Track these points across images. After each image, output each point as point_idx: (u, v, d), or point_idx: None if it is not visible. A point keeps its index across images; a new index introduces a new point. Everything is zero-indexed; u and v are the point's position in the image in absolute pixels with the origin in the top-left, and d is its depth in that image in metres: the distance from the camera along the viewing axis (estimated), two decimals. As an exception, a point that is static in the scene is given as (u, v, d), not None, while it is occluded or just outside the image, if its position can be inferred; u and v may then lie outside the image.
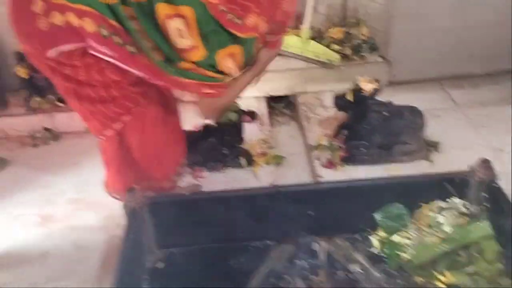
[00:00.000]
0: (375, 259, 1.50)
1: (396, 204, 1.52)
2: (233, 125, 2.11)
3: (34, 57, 1.44)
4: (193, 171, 2.14)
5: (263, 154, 2.24)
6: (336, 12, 2.84)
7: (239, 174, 2.15)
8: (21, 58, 2.51)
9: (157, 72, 1.36)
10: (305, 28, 2.64)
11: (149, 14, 1.26)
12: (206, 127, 2.19)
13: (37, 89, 2.56)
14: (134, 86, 1.46)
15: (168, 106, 1.67)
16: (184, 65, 1.35)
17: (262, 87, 2.60)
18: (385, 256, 1.50)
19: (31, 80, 2.53)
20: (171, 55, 1.33)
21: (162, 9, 1.25)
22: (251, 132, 2.33)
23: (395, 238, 1.49)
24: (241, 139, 2.19)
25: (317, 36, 2.75)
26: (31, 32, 1.33)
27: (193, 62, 1.34)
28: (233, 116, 2.09)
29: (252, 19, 1.33)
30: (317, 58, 2.65)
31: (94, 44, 1.29)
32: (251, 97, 2.59)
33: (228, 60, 1.36)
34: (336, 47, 2.67)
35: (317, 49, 2.65)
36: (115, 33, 1.28)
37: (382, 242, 1.53)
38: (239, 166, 2.17)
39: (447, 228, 1.41)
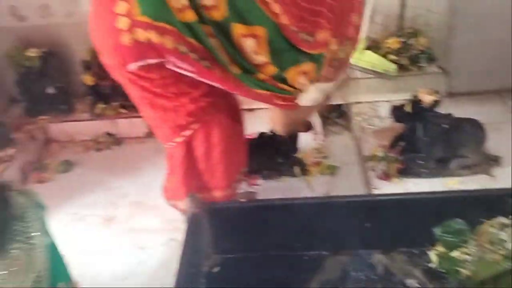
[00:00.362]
0: (433, 275, 1.47)
1: (457, 219, 1.49)
2: (288, 134, 2.13)
3: (113, 69, 1.51)
4: (248, 179, 2.18)
5: (317, 164, 2.25)
6: (393, 22, 2.82)
7: (293, 183, 2.18)
8: (87, 66, 2.65)
9: (231, 83, 1.44)
10: (361, 37, 2.63)
11: (226, 32, 1.33)
12: (262, 136, 2.23)
13: (101, 96, 2.69)
14: (205, 96, 1.53)
15: (234, 115, 1.73)
16: (261, 76, 1.42)
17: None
18: (443, 272, 1.47)
19: (96, 87, 2.67)
20: (248, 68, 1.40)
21: (237, 29, 1.33)
22: (305, 141, 2.35)
23: (455, 253, 1.46)
24: (296, 149, 2.22)
25: (373, 46, 2.74)
26: (115, 47, 1.39)
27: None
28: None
29: (322, 35, 1.39)
30: (372, 68, 2.64)
31: (173, 60, 1.36)
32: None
33: (300, 77, 1.41)
34: (392, 57, 2.65)
35: (373, 59, 2.64)
36: (192, 50, 1.34)
37: (441, 257, 1.50)
38: (293, 175, 2.20)
39: (510, 245, 1.37)
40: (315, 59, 1.43)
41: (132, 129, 2.67)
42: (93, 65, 2.61)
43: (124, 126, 2.68)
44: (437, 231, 1.51)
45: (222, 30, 1.33)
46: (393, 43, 2.69)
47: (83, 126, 2.71)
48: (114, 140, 2.66)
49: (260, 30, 1.33)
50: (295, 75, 1.42)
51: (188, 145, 1.65)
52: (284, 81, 1.43)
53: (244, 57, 1.37)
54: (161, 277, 1.83)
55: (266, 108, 2.24)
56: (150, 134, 2.68)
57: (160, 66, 1.40)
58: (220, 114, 1.62)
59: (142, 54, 1.36)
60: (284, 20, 1.34)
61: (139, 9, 1.31)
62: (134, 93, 1.56)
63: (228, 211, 1.65)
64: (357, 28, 1.53)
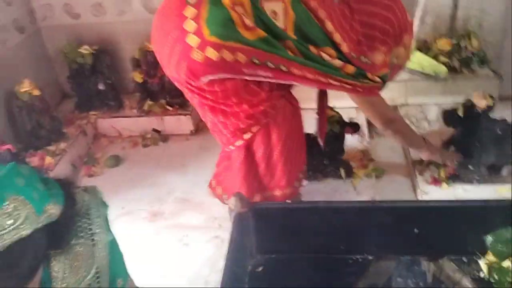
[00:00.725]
0: (482, 284, 1.43)
1: (509, 228, 1.44)
2: (335, 136, 2.12)
3: (178, 82, 1.55)
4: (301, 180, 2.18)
5: (363, 166, 2.23)
6: (444, 23, 2.75)
7: (338, 185, 2.16)
8: (137, 64, 2.71)
9: (310, 79, 1.50)
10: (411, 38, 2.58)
11: (306, 48, 1.46)
12: (308, 137, 2.22)
13: (149, 93, 2.75)
14: (264, 101, 1.55)
15: (294, 114, 1.74)
16: (342, 72, 1.53)
17: (363, 98, 2.59)
18: (493, 282, 1.43)
19: (144, 84, 2.73)
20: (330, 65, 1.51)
21: (312, 49, 1.47)
22: (351, 143, 2.32)
23: (506, 264, 1.42)
24: (342, 150, 2.20)
25: (423, 47, 2.68)
26: (186, 62, 1.42)
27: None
28: (335, 127, 2.09)
29: (379, 57, 1.54)
30: (422, 70, 2.58)
31: (248, 71, 1.42)
32: (351, 108, 2.59)
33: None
34: (443, 59, 2.59)
35: (422, 61, 2.58)
36: (267, 60, 1.41)
37: (491, 267, 1.46)
38: (339, 177, 2.18)
39: None
40: (380, 78, 1.56)
41: (178, 127, 2.71)
42: (142, 63, 2.67)
43: (171, 123, 2.73)
44: (488, 239, 1.46)
45: (302, 45, 1.45)
46: (444, 44, 2.62)
47: (131, 122, 2.78)
48: (161, 137, 2.72)
49: (330, 51, 1.48)
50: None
51: (248, 147, 1.68)
52: (365, 76, 1.54)
53: (325, 60, 1.48)
54: (205, 274, 1.86)
55: (311, 108, 2.25)
56: (195, 132, 2.73)
57: (224, 80, 1.44)
58: (279, 116, 1.65)
59: (213, 70, 1.41)
60: (344, 48, 1.48)
61: (208, 30, 1.36)
62: (195, 100, 1.59)
63: (273, 212, 1.66)
64: (407, 49, 1.65)
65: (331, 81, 1.52)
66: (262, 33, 1.39)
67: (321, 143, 2.00)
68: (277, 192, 1.79)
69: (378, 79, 1.57)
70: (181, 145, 2.66)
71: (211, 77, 1.43)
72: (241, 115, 1.58)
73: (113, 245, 0.91)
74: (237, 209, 1.61)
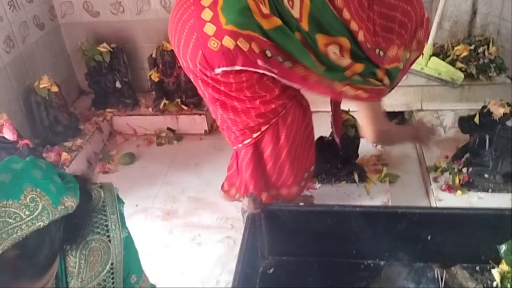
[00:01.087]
0: (495, 294, 1.42)
1: (525, 239, 1.43)
2: (350, 139, 2.11)
3: (193, 72, 1.56)
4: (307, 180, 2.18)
5: (377, 171, 2.22)
6: (462, 29, 2.73)
7: (351, 189, 2.15)
8: (154, 63, 2.73)
9: (312, 82, 1.50)
10: (428, 44, 2.57)
11: (313, 41, 1.45)
12: (321, 140, 2.22)
13: (165, 92, 2.77)
14: (276, 99, 1.55)
15: (304, 115, 1.75)
16: (348, 73, 1.51)
17: (378, 102, 2.59)
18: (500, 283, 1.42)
19: (161, 83, 2.75)
20: (335, 67, 1.49)
21: (320, 39, 1.45)
22: (365, 148, 2.32)
23: (520, 274, 1.40)
24: (356, 155, 2.19)
25: (440, 52, 2.67)
26: (202, 51, 1.44)
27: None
28: (350, 131, 2.09)
29: (393, 51, 1.52)
30: (438, 76, 2.57)
31: (260, 63, 1.42)
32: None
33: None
34: (460, 65, 2.57)
35: (439, 66, 2.57)
36: (277, 54, 1.42)
37: (504, 276, 1.44)
38: (352, 181, 2.17)
39: None
40: (389, 72, 1.54)
41: (193, 126, 2.73)
42: (159, 62, 2.69)
43: (185, 122, 2.75)
44: (502, 248, 1.45)
45: (310, 38, 1.44)
46: (461, 50, 2.60)
47: (146, 120, 2.80)
48: (175, 136, 2.74)
49: (344, 41, 1.47)
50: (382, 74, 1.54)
51: (256, 145, 1.69)
52: (372, 74, 1.53)
53: (330, 61, 1.47)
54: (216, 274, 1.86)
55: (326, 111, 2.24)
56: (209, 132, 2.74)
57: (240, 71, 1.44)
58: (289, 116, 1.65)
59: (229, 60, 1.42)
60: (361, 37, 1.46)
61: (225, 19, 1.36)
62: (208, 94, 1.60)
63: (286, 214, 1.66)
64: (421, 43, 1.62)
65: (333, 85, 1.52)
66: (278, 21, 1.39)
67: (337, 140, 1.99)
68: (284, 191, 1.80)
69: (386, 80, 1.55)
70: (195, 145, 2.67)
71: (225, 69, 1.43)
72: (251, 113, 1.59)
73: (128, 242, 0.92)
74: (250, 210, 1.62)
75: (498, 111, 1.86)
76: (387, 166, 2.25)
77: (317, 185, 2.19)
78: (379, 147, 2.39)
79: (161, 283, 1.79)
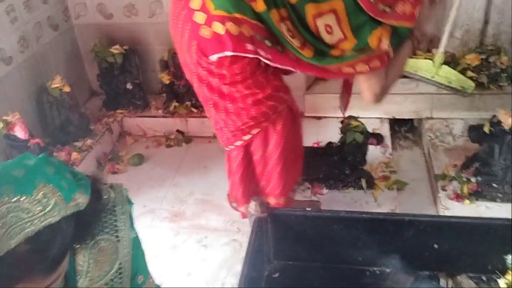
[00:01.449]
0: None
1: (531, 249, 1.42)
2: (357, 145, 2.11)
3: (189, 66, 1.57)
4: (312, 187, 2.19)
5: (385, 178, 2.22)
6: (473, 38, 2.73)
7: (358, 196, 2.16)
8: (165, 65, 2.76)
9: (305, 64, 1.47)
10: (439, 52, 2.56)
11: (300, 15, 1.41)
12: (330, 145, 2.23)
13: (176, 94, 2.79)
14: (268, 99, 1.56)
15: (294, 122, 1.74)
16: (336, 52, 1.45)
17: (387, 108, 2.59)
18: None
19: (171, 86, 2.77)
20: (322, 48, 1.44)
21: (310, 9, 1.40)
22: (374, 154, 2.32)
23: (527, 286, 1.40)
24: (364, 161, 2.19)
25: (452, 61, 2.66)
26: (195, 41, 1.45)
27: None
28: (358, 137, 2.09)
29: (404, 7, 1.43)
30: (449, 84, 2.56)
31: (250, 47, 1.41)
32: (374, 118, 2.59)
33: (381, 41, 1.45)
34: (471, 74, 2.56)
35: (449, 75, 2.57)
36: (266, 38, 1.41)
37: (511, 287, 1.44)
38: (359, 187, 2.17)
39: None
40: (396, 31, 1.46)
41: (202, 129, 2.75)
42: (171, 64, 2.71)
43: (195, 125, 2.76)
44: (508, 259, 1.45)
45: (297, 12, 1.40)
46: (472, 59, 2.60)
47: (156, 122, 2.82)
48: (184, 138, 2.75)
49: (338, 4, 1.41)
50: (373, 40, 1.45)
51: (246, 149, 1.69)
52: (365, 49, 1.46)
53: (318, 38, 1.43)
54: (222, 277, 1.87)
55: (335, 117, 2.25)
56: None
57: (233, 62, 1.45)
58: (279, 121, 1.65)
59: (221, 45, 1.41)
60: None
61: (213, 5, 1.37)
62: (201, 92, 1.61)
63: (292, 219, 1.67)
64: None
65: (328, 68, 1.48)
66: (264, 3, 1.37)
67: (343, 113, 1.94)
68: (272, 200, 1.79)
69: (384, 44, 1.45)
70: (203, 147, 2.68)
71: (218, 55, 1.43)
72: (243, 115, 1.59)
73: (136, 242, 0.93)
74: (257, 214, 1.63)
75: (508, 121, 1.86)
76: (395, 173, 2.25)
77: (325, 191, 2.19)
78: (387, 154, 2.39)
79: (166, 284, 1.80)
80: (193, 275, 1.90)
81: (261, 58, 1.44)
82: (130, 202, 0.92)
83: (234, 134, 1.66)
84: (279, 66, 1.49)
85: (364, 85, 1.56)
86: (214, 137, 2.74)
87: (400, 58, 1.56)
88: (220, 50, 1.42)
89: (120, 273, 0.89)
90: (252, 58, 1.44)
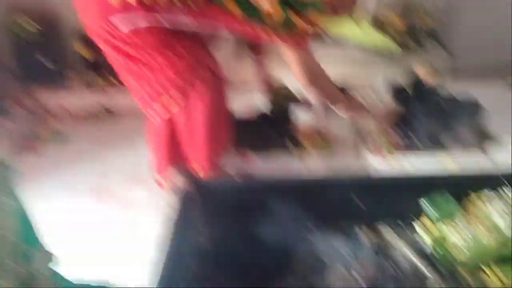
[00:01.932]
0: (420, 251, 1.45)
1: (445, 194, 1.46)
2: (283, 109, 2.10)
3: (99, 37, 1.48)
4: (241, 156, 2.16)
5: (312, 140, 2.22)
6: (398, 1, 2.77)
7: (287, 160, 2.15)
8: (85, 39, 2.62)
9: (233, 21, 1.42)
10: (364, 15, 2.58)
11: None
12: (256, 113, 2.20)
13: (97, 69, 2.67)
14: (189, 68, 1.50)
15: (220, 90, 1.69)
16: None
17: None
18: (432, 249, 1.45)
19: (92, 60, 2.64)
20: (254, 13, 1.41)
21: None
22: (300, 117, 2.32)
23: (441, 228, 1.44)
24: (291, 124, 2.18)
25: (376, 24, 2.69)
26: (104, 10, 1.36)
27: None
28: (283, 100, 2.08)
29: None
30: (374, 46, 2.59)
31: (168, 16, 1.36)
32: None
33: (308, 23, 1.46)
34: (396, 36, 2.60)
35: (375, 37, 2.59)
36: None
37: (428, 232, 1.48)
38: (287, 152, 2.17)
39: (499, 221, 1.34)
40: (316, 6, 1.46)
41: (127, 103, 2.64)
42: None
43: (119, 99, 2.66)
44: (425, 206, 1.48)
45: None
46: (397, 22, 2.63)
47: (77, 98, 2.69)
48: (109, 113, 2.65)
49: None
50: (299, 20, 1.45)
51: (171, 119, 1.63)
52: (291, 26, 1.45)
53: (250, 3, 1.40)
54: (152, 254, 1.81)
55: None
56: (144, 109, 2.66)
57: (147, 32, 1.39)
58: (203, 87, 1.60)
59: (132, 16, 1.35)
60: None
61: None
62: (116, 62, 1.53)
63: (222, 188, 1.62)
64: None
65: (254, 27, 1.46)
66: None
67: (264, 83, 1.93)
68: (200, 170, 1.75)
69: (309, 28, 1.48)
70: (129, 122, 2.59)
71: (131, 26, 1.37)
72: (160, 78, 1.54)
73: (23, 215, 0.87)
74: (183, 187, 1.58)
75: (429, 80, 1.90)
76: (322, 135, 2.26)
77: (252, 159, 2.16)
78: (314, 117, 2.39)
79: (93, 263, 1.74)
80: (121, 253, 1.83)
81: (182, 26, 1.39)
82: (5, 166, 0.84)
83: (152, 98, 1.59)
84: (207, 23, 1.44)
85: (295, 70, 1.61)
86: (141, 111, 2.65)
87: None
88: (131, 20, 1.36)
89: (13, 247, 0.82)
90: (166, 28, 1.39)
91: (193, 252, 1.58)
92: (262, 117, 2.16)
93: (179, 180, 1.56)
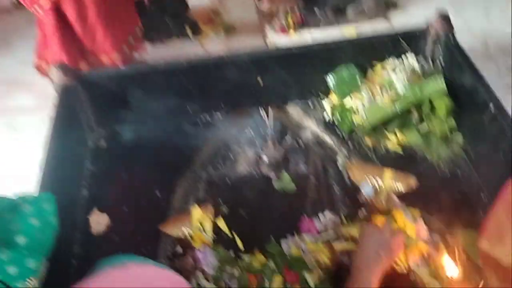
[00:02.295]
0: (327, 125, 1.42)
1: (349, 64, 1.41)
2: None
3: None
4: (134, 44, 1.97)
5: (211, 23, 2.06)
6: None
7: (185, 45, 1.99)
8: None
9: None
10: None
11: None
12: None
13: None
14: None
15: None
16: None
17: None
18: (337, 120, 1.42)
19: None
20: None
21: None
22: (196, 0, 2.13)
23: (347, 101, 1.40)
24: (186, 7, 2.00)
25: None
26: None
27: None
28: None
29: None
30: None
31: None
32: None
33: None
34: None
35: None
36: None
37: (334, 106, 1.44)
38: (185, 36, 2.00)
39: (399, 87, 1.32)
40: None
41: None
42: None
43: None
44: (330, 79, 1.43)
45: None
46: None
47: None
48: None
49: None
50: None
51: (57, 8, 1.50)
52: None
53: None
54: (38, 159, 1.67)
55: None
56: (20, 5, 2.32)
57: None
58: None
59: None
60: None
61: None
62: None
63: (107, 79, 1.47)
64: None
65: None
66: None
67: None
68: (104, 58, 1.61)
69: None
70: (3, 21, 2.27)
71: None
72: None
73: None
74: (61, 81, 1.40)
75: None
76: (222, 17, 2.10)
77: (147, 47, 1.98)
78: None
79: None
80: (4, 162, 1.67)
81: None
82: None
83: None
84: None
85: None
86: (16, 7, 2.31)
87: None
88: None
89: None
90: None
91: (86, 148, 1.46)
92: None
93: (57, 76, 1.39)
